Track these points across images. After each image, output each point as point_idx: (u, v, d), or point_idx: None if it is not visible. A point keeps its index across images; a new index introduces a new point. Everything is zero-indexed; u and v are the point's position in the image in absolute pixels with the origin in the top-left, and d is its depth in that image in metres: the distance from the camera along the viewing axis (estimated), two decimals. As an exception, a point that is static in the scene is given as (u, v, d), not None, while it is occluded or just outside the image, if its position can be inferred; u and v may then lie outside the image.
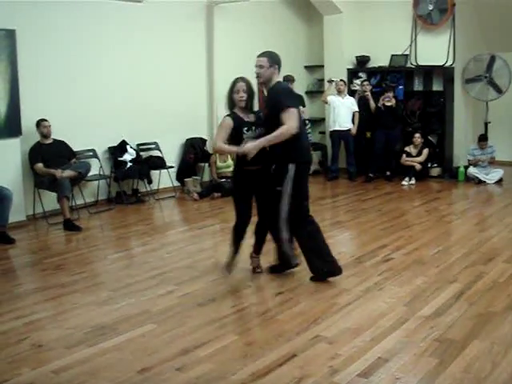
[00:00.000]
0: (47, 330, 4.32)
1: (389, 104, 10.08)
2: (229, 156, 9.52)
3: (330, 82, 10.54)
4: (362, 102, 10.46)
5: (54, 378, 3.56)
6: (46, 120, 7.62)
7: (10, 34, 7.25)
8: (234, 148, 5.00)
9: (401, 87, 10.67)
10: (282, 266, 5.36)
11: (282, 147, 4.96)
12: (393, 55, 10.79)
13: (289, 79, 9.42)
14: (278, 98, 4.99)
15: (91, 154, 8.47)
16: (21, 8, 7.45)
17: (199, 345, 3.95)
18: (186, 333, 4.18)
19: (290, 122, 4.88)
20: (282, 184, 5.01)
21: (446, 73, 10.31)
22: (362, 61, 11.14)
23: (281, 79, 5.40)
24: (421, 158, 10.11)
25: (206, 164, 9.96)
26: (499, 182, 9.87)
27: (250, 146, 4.87)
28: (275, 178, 5.08)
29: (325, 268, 5.13)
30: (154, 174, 9.19)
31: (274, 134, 4.88)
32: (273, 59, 5.07)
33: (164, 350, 3.90)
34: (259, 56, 5.10)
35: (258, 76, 5.07)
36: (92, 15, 8.35)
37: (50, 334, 4.22)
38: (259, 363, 3.66)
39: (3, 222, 6.80)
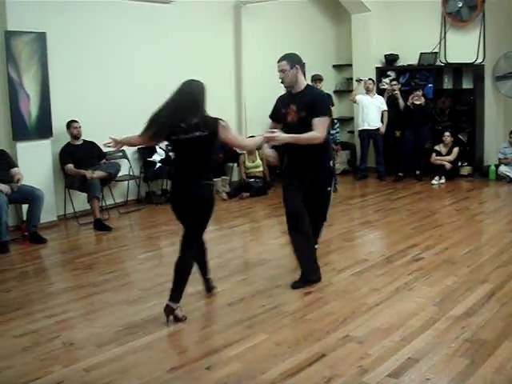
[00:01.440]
0: (78, 328, 4.38)
1: (418, 102, 10.00)
2: (257, 156, 9.53)
3: (359, 81, 10.50)
4: (391, 101, 10.38)
5: (85, 376, 3.60)
6: (76, 121, 7.71)
7: (41, 37, 7.34)
8: (259, 137, 4.86)
9: (430, 85, 10.57)
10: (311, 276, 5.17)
11: (324, 148, 5.02)
12: (422, 53, 10.70)
13: (317, 78, 9.40)
14: (318, 103, 4.94)
15: (121, 154, 8.52)
16: (51, 11, 7.53)
17: (229, 344, 3.97)
18: (215, 332, 4.20)
19: (320, 131, 4.86)
20: (331, 183, 5.19)
21: (475, 70, 10.20)
22: (391, 59, 11.07)
23: (308, 79, 5.36)
24: (451, 157, 10.02)
25: (235, 164, 9.99)
26: (531, 180, 9.74)
27: (283, 135, 4.74)
28: (326, 179, 5.14)
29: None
30: (183, 174, 9.22)
31: (305, 136, 4.81)
32: (292, 60, 4.97)
33: (193, 349, 3.92)
34: (279, 61, 5.00)
35: (282, 81, 4.99)
36: (121, 17, 8.42)
37: (81, 333, 4.27)
38: (289, 363, 3.66)
39: (35, 222, 6.89)
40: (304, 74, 5.22)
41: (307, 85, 5.11)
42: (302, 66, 5.08)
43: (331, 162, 5.21)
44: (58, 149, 7.68)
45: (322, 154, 5.05)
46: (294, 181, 5.07)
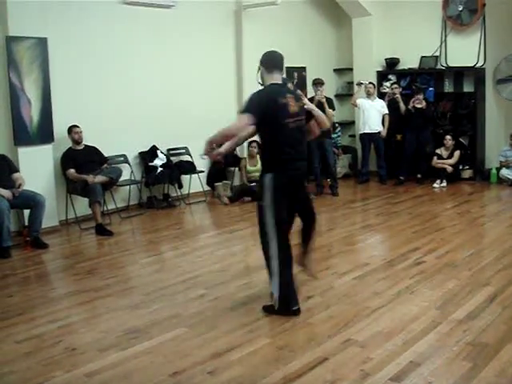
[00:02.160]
0: (80, 333, 4.37)
1: (419, 106, 10.00)
2: (258, 160, 9.52)
3: (360, 84, 10.51)
4: (392, 105, 10.39)
5: (87, 381, 3.60)
6: (77, 126, 7.71)
7: (42, 42, 7.35)
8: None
9: (431, 89, 10.59)
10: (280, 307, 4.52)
11: (263, 157, 4.66)
12: (422, 57, 10.71)
13: (318, 82, 9.40)
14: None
15: (122, 159, 8.55)
16: (52, 16, 7.55)
17: (230, 348, 3.97)
18: (217, 336, 4.20)
19: (235, 121, 4.41)
20: (262, 197, 4.47)
21: (476, 74, 10.21)
22: (392, 63, 11.08)
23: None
24: (452, 161, 10.02)
25: (236, 168, 9.99)
26: (532, 183, 9.74)
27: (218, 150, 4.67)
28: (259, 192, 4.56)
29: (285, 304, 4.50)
30: (185, 178, 9.24)
31: (224, 128, 4.36)
32: (260, 61, 4.60)
33: (196, 354, 3.91)
34: None
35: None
36: (122, 22, 8.43)
37: (83, 338, 4.27)
38: (291, 367, 3.66)
39: (37, 227, 6.89)
40: (275, 74, 4.61)
41: (266, 86, 4.61)
42: (270, 65, 4.57)
43: (270, 177, 4.43)
44: (59, 154, 7.68)
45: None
46: None
